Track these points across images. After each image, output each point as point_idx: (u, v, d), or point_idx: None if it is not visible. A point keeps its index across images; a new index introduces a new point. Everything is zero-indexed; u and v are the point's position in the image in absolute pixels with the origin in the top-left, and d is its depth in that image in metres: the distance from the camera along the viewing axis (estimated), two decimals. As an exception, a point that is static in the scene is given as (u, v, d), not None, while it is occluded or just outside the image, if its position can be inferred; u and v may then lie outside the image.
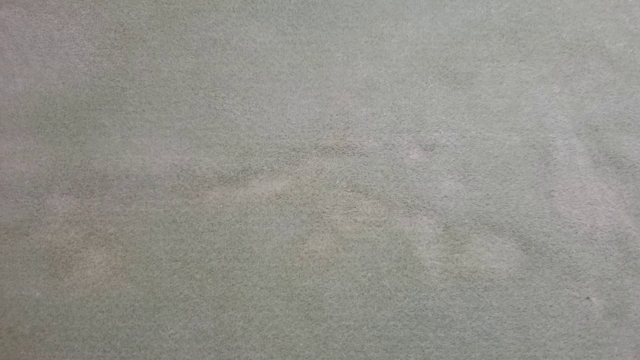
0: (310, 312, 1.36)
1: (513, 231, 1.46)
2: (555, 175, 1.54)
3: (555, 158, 1.56)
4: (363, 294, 1.38)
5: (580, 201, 1.50)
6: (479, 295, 1.38)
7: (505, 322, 1.35)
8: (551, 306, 1.37)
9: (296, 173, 1.54)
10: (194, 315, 1.35)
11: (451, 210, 1.49)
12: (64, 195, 1.49)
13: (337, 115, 1.63)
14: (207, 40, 1.74)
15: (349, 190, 1.51)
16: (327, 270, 1.41)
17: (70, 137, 1.57)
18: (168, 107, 1.62)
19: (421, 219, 1.47)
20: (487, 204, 1.50)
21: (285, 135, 1.59)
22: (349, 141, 1.58)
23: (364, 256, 1.42)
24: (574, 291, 1.38)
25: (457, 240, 1.45)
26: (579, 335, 1.33)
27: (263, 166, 1.54)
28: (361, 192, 1.51)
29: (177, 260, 1.41)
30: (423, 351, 1.32)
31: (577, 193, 1.51)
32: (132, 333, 1.33)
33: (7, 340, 1.32)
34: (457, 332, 1.34)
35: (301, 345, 1.32)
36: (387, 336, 1.33)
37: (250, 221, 1.46)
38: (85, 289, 1.38)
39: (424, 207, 1.49)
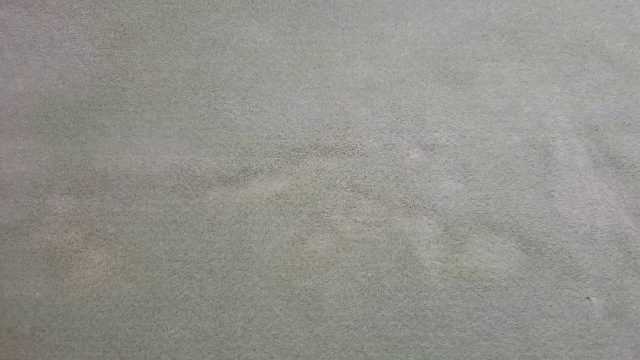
0: (310, 312, 1.36)
1: (513, 231, 1.46)
2: (555, 175, 1.54)
3: (555, 158, 1.56)
4: (363, 294, 1.38)
5: (580, 201, 1.50)
6: (479, 295, 1.38)
7: (505, 322, 1.35)
8: (551, 306, 1.37)
9: (296, 173, 1.54)
10: (194, 315, 1.35)
11: (451, 210, 1.49)
12: (64, 195, 1.49)
13: (337, 115, 1.63)
14: (207, 40, 1.74)
15: (349, 190, 1.51)
16: (327, 270, 1.41)
17: (70, 137, 1.57)
18: (168, 107, 1.62)
19: (421, 219, 1.47)
20: (487, 204, 1.50)
21: (285, 135, 1.59)
22: (349, 141, 1.58)
23: (364, 256, 1.42)
24: (574, 291, 1.38)
25: (457, 240, 1.45)
26: (579, 335, 1.33)
27: (263, 166, 1.54)
28: (361, 192, 1.51)
29: (177, 260, 1.41)
30: (423, 351, 1.32)
31: (577, 193, 1.51)
32: (132, 333, 1.33)
33: (7, 340, 1.32)
34: (457, 332, 1.34)
35: (301, 345, 1.32)
36: (387, 336, 1.33)
37: (250, 221, 1.46)
38: (85, 289, 1.38)
39: (424, 207, 1.49)
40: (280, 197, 1.50)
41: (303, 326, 1.34)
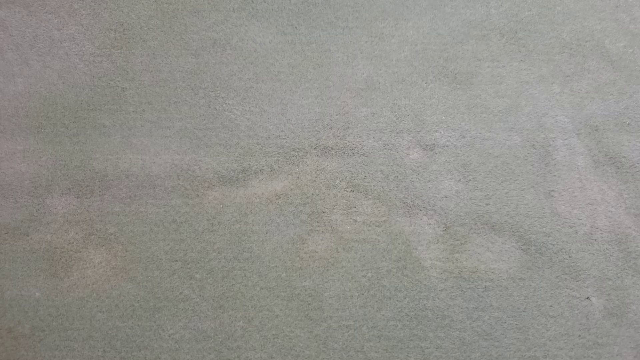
0: (310, 312, 1.36)
1: (513, 231, 1.46)
2: (555, 175, 1.54)
3: (555, 158, 1.56)
4: (363, 294, 1.38)
5: (580, 201, 1.50)
6: (479, 295, 1.38)
7: (505, 322, 1.35)
8: (551, 306, 1.37)
9: (296, 173, 1.54)
10: (194, 315, 1.35)
11: (451, 210, 1.49)
12: (64, 195, 1.49)
13: (337, 115, 1.63)
14: (207, 40, 1.74)
15: (349, 190, 1.51)
16: (327, 270, 1.41)
17: (70, 137, 1.57)
18: (168, 107, 1.62)
19: (421, 219, 1.47)
20: (487, 204, 1.50)
21: (285, 135, 1.59)
22: (349, 141, 1.58)
23: (364, 256, 1.42)
24: (574, 291, 1.38)
25: (457, 240, 1.45)
26: (579, 335, 1.33)
27: (263, 166, 1.54)
28: (361, 192, 1.51)
29: (177, 260, 1.42)
30: (423, 351, 1.32)
31: (577, 193, 1.51)
32: (132, 333, 1.33)
33: (7, 340, 1.32)
34: (457, 332, 1.34)
35: (301, 345, 1.32)
36: (387, 336, 1.33)
37: (250, 221, 1.46)
38: (85, 289, 1.38)
39: (424, 207, 1.49)
40: (280, 197, 1.50)
41: (303, 326, 1.34)
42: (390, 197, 1.50)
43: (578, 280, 1.40)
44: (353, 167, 1.55)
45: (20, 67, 1.68)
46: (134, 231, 1.45)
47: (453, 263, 1.42)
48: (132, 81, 1.66)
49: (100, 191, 1.50)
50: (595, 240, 1.45)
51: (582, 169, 1.55)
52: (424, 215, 1.48)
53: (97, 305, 1.36)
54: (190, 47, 1.73)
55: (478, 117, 1.63)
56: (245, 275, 1.40)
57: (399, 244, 1.44)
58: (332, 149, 1.57)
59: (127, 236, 1.44)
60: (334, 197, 1.50)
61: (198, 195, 1.50)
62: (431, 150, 1.57)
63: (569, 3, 1.82)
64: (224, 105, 1.63)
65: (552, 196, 1.51)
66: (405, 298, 1.38)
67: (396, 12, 1.80)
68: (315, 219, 1.47)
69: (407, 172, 1.54)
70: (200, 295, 1.37)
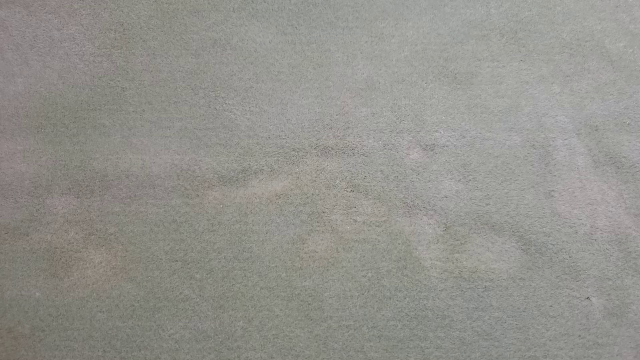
0: (310, 312, 1.36)
1: (513, 231, 1.46)
2: (555, 175, 1.54)
3: (555, 158, 1.56)
4: (363, 294, 1.38)
5: (580, 201, 1.50)
6: (479, 295, 1.38)
7: (505, 322, 1.35)
8: (551, 306, 1.37)
9: (296, 173, 1.54)
10: (194, 315, 1.35)
11: (451, 210, 1.49)
12: (64, 195, 1.49)
13: (337, 115, 1.63)
14: (207, 40, 1.74)
15: (349, 190, 1.51)
16: (327, 270, 1.41)
17: (70, 137, 1.57)
18: (168, 107, 1.62)
19: (421, 219, 1.47)
20: (487, 204, 1.50)
21: (285, 135, 1.59)
22: (349, 141, 1.58)
23: (364, 256, 1.42)
24: (574, 291, 1.38)
25: (457, 240, 1.45)
26: (579, 335, 1.33)
27: (263, 166, 1.54)
28: (361, 192, 1.51)
29: (177, 260, 1.42)
30: (423, 351, 1.32)
31: (577, 193, 1.51)
32: (132, 333, 1.33)
33: (7, 340, 1.32)
34: (457, 332, 1.34)
35: (301, 345, 1.32)
36: (387, 336, 1.33)
37: (250, 221, 1.46)
38: (85, 289, 1.38)
39: (424, 207, 1.49)
40: (280, 197, 1.50)
41: (303, 326, 1.34)
42: (390, 197, 1.50)
43: (578, 280, 1.40)
44: (353, 167, 1.55)
45: (20, 67, 1.68)
46: (134, 231, 1.45)
47: (453, 263, 1.42)
48: (132, 81, 1.67)
49: (100, 191, 1.50)
50: (595, 240, 1.45)
51: (582, 169, 1.55)
52: (424, 215, 1.48)
53: (97, 305, 1.36)
54: (190, 47, 1.73)
55: (478, 117, 1.63)
56: (245, 275, 1.40)
57: (399, 244, 1.44)
58: (332, 149, 1.57)
59: (127, 236, 1.44)
60: (334, 197, 1.50)
61: (198, 195, 1.50)
62: (431, 150, 1.57)
63: (569, 3, 1.82)
64: (224, 105, 1.63)
65: (552, 196, 1.51)
66: (405, 298, 1.38)
67: (396, 12, 1.80)
68: (315, 219, 1.47)
69: (407, 172, 1.54)
70: (200, 295, 1.37)
